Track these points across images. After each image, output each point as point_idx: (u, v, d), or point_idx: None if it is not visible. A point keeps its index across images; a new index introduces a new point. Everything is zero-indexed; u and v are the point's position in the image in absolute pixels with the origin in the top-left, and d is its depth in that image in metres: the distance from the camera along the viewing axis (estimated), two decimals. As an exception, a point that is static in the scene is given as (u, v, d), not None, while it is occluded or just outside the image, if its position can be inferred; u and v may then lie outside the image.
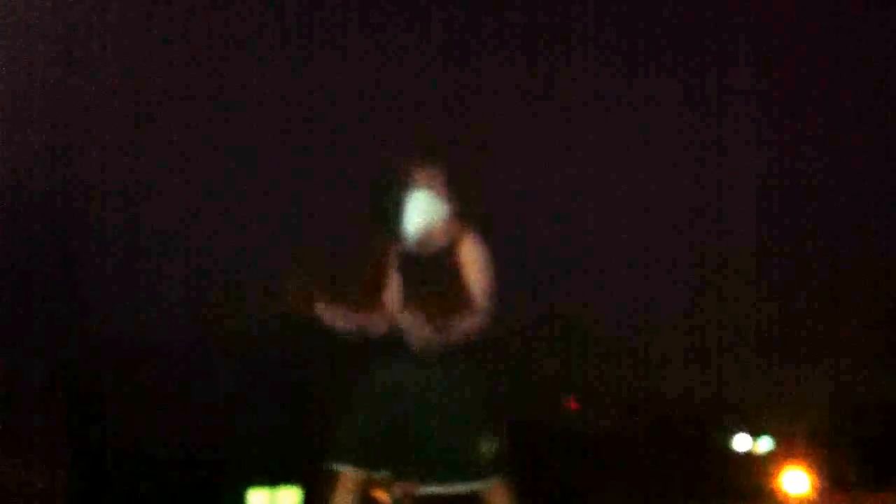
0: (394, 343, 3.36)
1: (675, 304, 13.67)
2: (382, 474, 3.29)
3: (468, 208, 3.72)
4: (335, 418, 3.54)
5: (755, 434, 15.43)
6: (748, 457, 15.19)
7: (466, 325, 3.32)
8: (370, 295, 3.38)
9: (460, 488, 3.29)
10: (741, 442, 15.52)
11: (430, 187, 3.54)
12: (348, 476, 3.32)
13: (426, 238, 3.43)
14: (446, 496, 3.30)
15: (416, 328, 3.26)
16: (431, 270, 3.52)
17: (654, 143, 13.16)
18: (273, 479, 11.27)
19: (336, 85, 11.72)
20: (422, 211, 3.52)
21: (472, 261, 3.52)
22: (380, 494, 3.55)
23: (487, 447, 3.30)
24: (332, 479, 3.30)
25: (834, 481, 12.62)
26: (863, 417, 13.56)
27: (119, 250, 11.19)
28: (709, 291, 13.67)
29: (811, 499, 12.28)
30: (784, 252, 13.38)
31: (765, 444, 15.40)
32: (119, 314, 10.73)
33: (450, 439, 3.32)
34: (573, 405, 15.04)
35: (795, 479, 13.18)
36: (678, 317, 13.70)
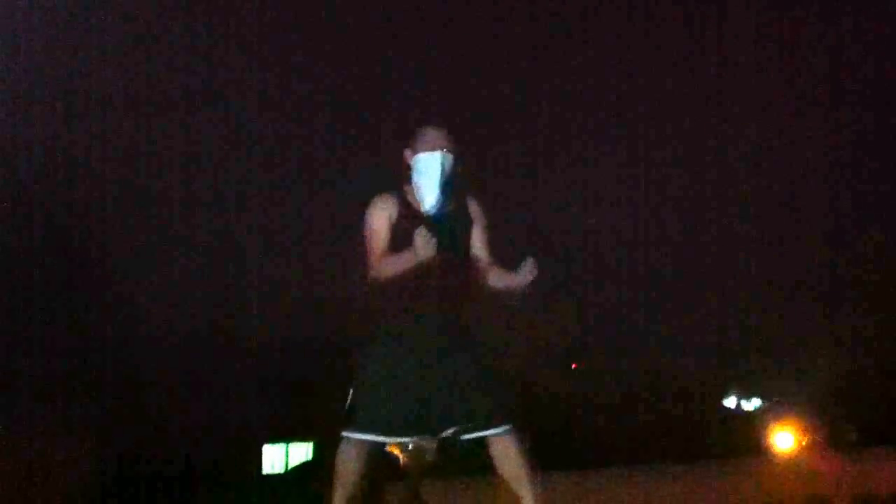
0: (402, 311, 3.51)
1: (671, 264, 13.88)
2: (399, 440, 3.48)
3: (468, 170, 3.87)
4: (346, 386, 3.68)
5: (748, 395, 15.76)
6: (740, 415, 15.53)
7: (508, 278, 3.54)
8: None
9: (472, 436, 3.50)
10: (733, 402, 15.89)
11: (440, 147, 3.53)
12: (361, 442, 3.53)
13: (440, 199, 3.47)
14: (460, 446, 3.44)
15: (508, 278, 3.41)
16: (450, 230, 3.50)
17: (652, 138, 13.27)
18: (286, 434, 11.78)
19: (337, 83, 11.74)
20: (435, 171, 3.53)
21: (481, 219, 3.56)
22: (393, 448, 3.80)
23: (499, 398, 3.52)
24: (342, 441, 3.48)
25: (829, 440, 12.89)
26: (862, 379, 13.69)
27: (119, 249, 11.25)
28: (705, 250, 13.85)
29: (801, 456, 12.60)
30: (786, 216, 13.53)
31: (755, 404, 15.73)
32: (121, 312, 10.82)
33: (465, 393, 3.31)
34: (574, 365, 15.43)
35: (785, 438, 13.50)
36: (674, 279, 13.92)
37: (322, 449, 10.47)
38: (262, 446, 11.75)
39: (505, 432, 3.40)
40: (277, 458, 11.81)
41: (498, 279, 3.50)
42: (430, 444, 3.62)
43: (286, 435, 11.87)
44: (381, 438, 3.42)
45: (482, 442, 3.40)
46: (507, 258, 3.47)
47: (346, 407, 3.47)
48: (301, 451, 11.71)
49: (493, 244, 3.58)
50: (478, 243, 3.59)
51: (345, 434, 3.42)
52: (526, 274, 3.38)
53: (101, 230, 11.03)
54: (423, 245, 3.33)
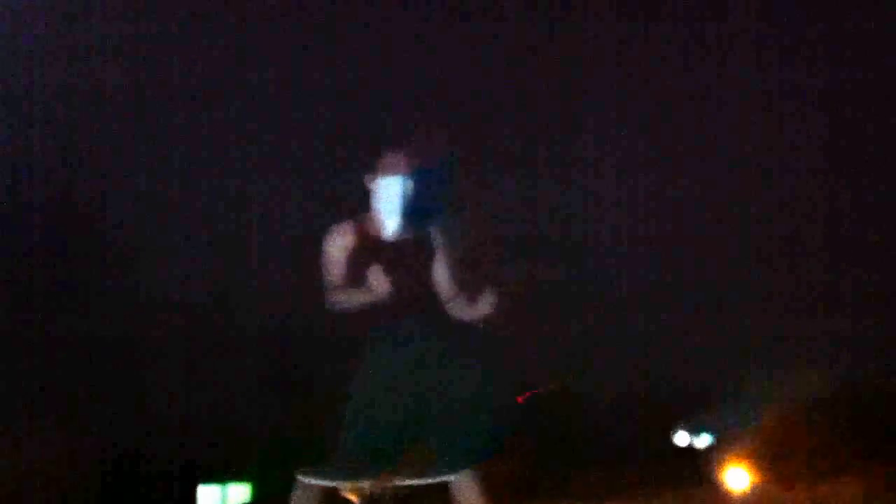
0: (374, 338, 3.29)
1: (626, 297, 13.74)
2: (363, 483, 3.26)
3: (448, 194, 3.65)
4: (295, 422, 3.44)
5: (696, 430, 15.60)
6: (690, 451, 15.36)
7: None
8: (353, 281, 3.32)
9: (436, 479, 3.26)
10: (681, 437, 15.73)
11: (401, 171, 3.48)
12: (318, 486, 3.28)
13: (402, 226, 3.45)
14: (423, 489, 3.37)
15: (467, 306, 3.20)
16: (412, 261, 3.47)
17: (652, 136, 13.16)
18: (223, 476, 11.27)
19: (337, 82, 11.59)
20: (395, 197, 3.47)
21: (447, 245, 3.52)
22: (351, 496, 3.54)
23: (457, 436, 3.31)
24: (296, 486, 3.23)
25: (781, 475, 12.75)
26: (815, 412, 13.65)
27: (119, 248, 11.18)
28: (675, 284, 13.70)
29: (753, 493, 12.41)
30: (736, 256, 13.50)
31: (705, 440, 15.59)
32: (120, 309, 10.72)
33: (421, 430, 3.32)
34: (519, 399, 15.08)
35: (737, 474, 13.32)
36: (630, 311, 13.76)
37: (263, 491, 10.10)
38: (196, 487, 11.26)
39: (463, 476, 3.27)
40: (213, 501, 11.31)
41: (458, 311, 3.44)
42: (390, 488, 3.36)
43: (223, 475, 11.36)
44: (332, 483, 3.28)
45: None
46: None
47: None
48: (239, 494, 11.25)
49: (460, 270, 3.48)
50: (439, 273, 3.49)
51: (299, 477, 3.29)
52: (484, 306, 3.34)
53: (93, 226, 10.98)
54: (378, 283, 3.28)
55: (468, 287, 3.48)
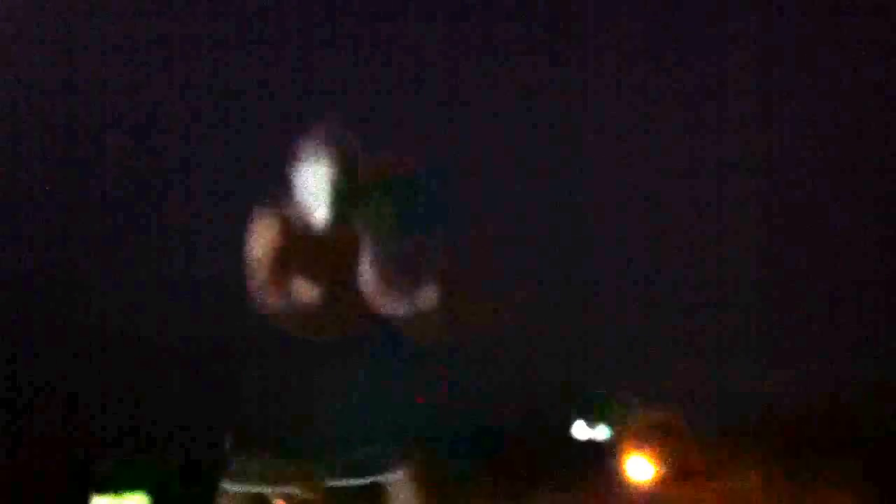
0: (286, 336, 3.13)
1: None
2: (286, 490, 3.11)
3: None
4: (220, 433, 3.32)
5: (593, 421, 15.53)
6: (588, 444, 15.31)
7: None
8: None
9: (367, 480, 3.10)
10: (580, 430, 15.64)
11: (328, 152, 3.32)
12: (243, 494, 3.11)
13: (323, 215, 3.28)
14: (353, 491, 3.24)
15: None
16: (340, 252, 3.32)
17: (651, 137, 13.07)
18: (117, 485, 10.85)
19: (338, 83, 11.34)
20: (320, 181, 3.29)
21: (375, 236, 3.34)
22: (280, 502, 3.40)
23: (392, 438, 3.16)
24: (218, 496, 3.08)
25: (683, 470, 12.83)
26: (723, 407, 13.76)
27: (118, 249, 10.77)
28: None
29: (654, 487, 12.46)
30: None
31: (603, 432, 15.53)
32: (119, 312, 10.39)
33: (361, 430, 3.14)
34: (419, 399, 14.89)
35: (638, 467, 13.34)
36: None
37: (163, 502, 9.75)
38: (88, 500, 10.83)
39: (399, 477, 3.17)
40: None
41: (392, 306, 3.27)
42: (321, 491, 3.20)
43: (117, 485, 10.93)
44: (256, 489, 3.14)
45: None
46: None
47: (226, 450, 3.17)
48: None
49: (388, 263, 3.29)
50: (366, 267, 3.32)
51: (222, 486, 3.15)
52: (422, 299, 3.20)
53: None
54: (310, 285, 3.16)
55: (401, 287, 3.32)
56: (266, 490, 3.15)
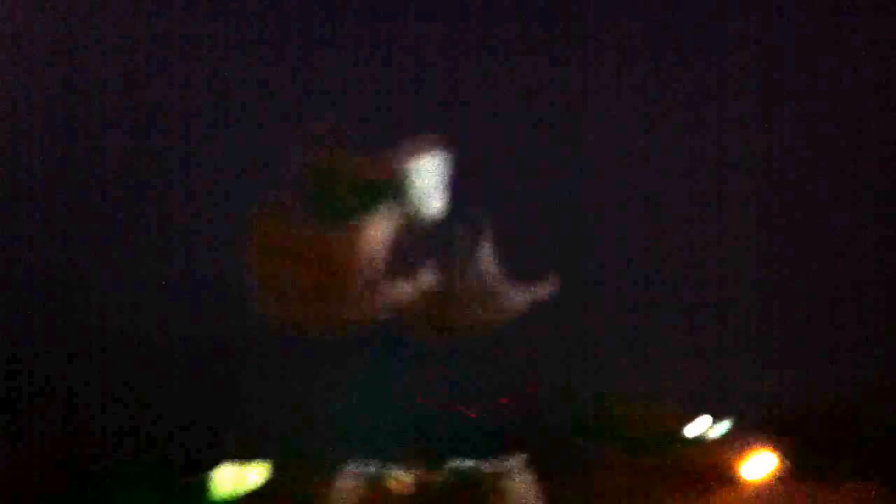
0: (388, 326, 3.11)
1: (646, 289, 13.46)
2: (393, 467, 3.07)
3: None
4: (331, 409, 3.30)
5: (714, 417, 15.14)
6: (706, 440, 14.96)
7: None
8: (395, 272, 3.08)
9: (473, 464, 3.05)
10: (699, 425, 15.23)
11: (437, 151, 3.22)
12: (354, 471, 3.09)
13: (439, 208, 3.17)
14: (459, 474, 3.22)
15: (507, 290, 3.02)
16: (452, 244, 3.21)
17: (653, 138, 13.03)
18: (240, 455, 10.73)
19: (339, 82, 11.32)
20: (433, 177, 3.19)
21: (487, 227, 3.24)
22: (397, 484, 3.37)
23: (499, 425, 3.08)
24: (333, 473, 3.07)
25: (803, 468, 12.54)
26: (841, 408, 13.47)
27: (119, 248, 10.82)
28: (696, 276, 13.47)
29: (773, 484, 12.21)
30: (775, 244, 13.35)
31: (722, 427, 15.12)
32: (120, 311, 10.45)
33: (462, 417, 3.09)
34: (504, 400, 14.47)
35: (757, 464, 13.01)
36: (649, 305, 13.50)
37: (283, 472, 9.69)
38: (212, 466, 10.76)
39: (517, 462, 3.04)
40: (229, 480, 10.80)
41: (513, 296, 3.15)
42: (437, 476, 3.14)
43: (241, 453, 10.79)
44: (373, 468, 3.00)
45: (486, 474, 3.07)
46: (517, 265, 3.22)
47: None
48: (257, 474, 10.75)
49: (500, 253, 3.21)
50: (485, 260, 3.20)
51: (341, 465, 3.01)
52: (542, 288, 3.04)
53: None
54: (427, 275, 2.96)
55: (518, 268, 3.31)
56: (384, 472, 3.15)
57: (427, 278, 2.96)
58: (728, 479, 12.51)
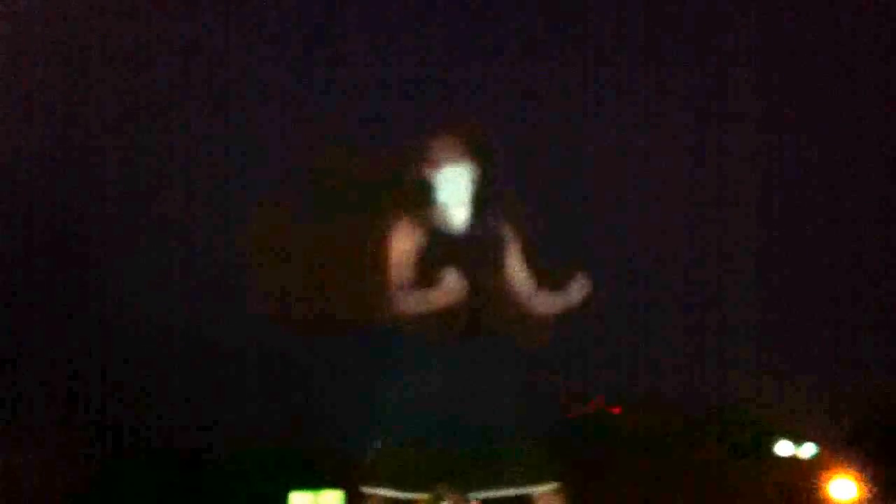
0: (421, 342, 3.04)
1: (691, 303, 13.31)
2: (425, 495, 3.00)
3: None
4: (361, 433, 3.22)
5: (797, 439, 14.83)
6: (793, 462, 14.57)
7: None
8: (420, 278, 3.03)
9: (512, 492, 2.97)
10: (784, 447, 14.89)
11: (466, 156, 3.18)
12: (382, 498, 3.01)
13: (469, 219, 3.15)
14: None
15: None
16: (482, 256, 3.17)
17: (654, 141, 13.03)
18: (315, 482, 10.81)
19: (339, 82, 11.52)
20: (463, 185, 3.16)
21: (516, 237, 3.21)
22: None
23: (538, 449, 3.04)
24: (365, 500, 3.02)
25: (889, 487, 12.21)
26: None
27: (121, 247, 10.86)
28: (729, 291, 13.30)
29: None
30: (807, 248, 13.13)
31: (808, 450, 14.74)
32: (122, 309, 10.36)
33: (498, 441, 3.03)
34: (605, 406, 14.55)
35: (844, 486, 12.71)
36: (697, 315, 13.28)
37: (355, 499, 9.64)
38: (287, 494, 10.89)
39: (554, 490, 3.05)
40: None
41: (544, 304, 3.16)
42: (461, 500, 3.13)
43: (315, 482, 10.90)
44: (401, 494, 3.05)
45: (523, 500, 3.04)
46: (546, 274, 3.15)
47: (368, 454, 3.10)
48: (332, 501, 10.82)
49: (533, 263, 3.23)
50: (515, 267, 3.25)
51: (363, 489, 3.08)
52: (576, 293, 3.06)
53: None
54: (454, 286, 3.00)
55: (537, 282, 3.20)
56: (410, 496, 3.10)
57: (452, 285, 2.79)
58: (815, 499, 12.23)
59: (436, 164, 3.20)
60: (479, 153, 3.21)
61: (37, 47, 9.32)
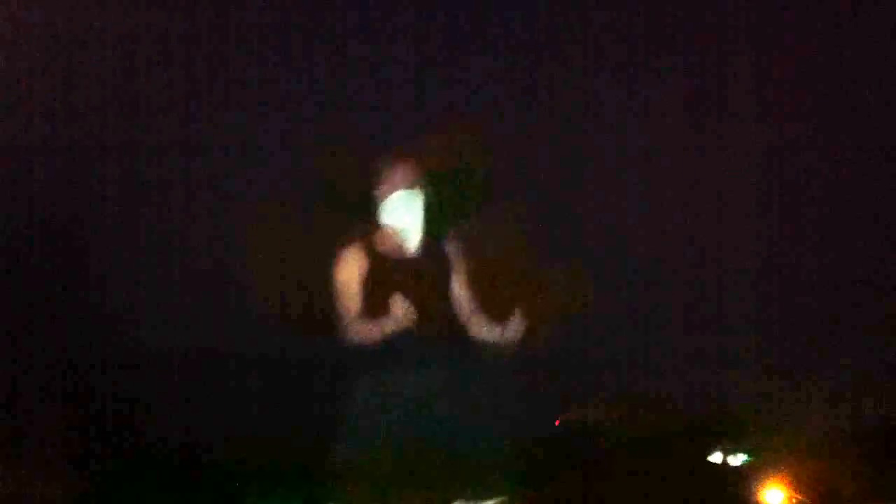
0: (385, 354, 2.98)
1: (670, 316, 13.31)
2: None
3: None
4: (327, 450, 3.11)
5: (734, 449, 15.06)
6: (727, 469, 14.85)
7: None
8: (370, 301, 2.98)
9: None
10: (718, 457, 15.12)
11: (419, 181, 3.13)
12: None
13: (409, 239, 3.10)
14: None
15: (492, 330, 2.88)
16: (426, 275, 3.12)
17: (653, 142, 12.86)
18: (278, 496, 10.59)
19: (340, 84, 11.14)
20: (416, 210, 3.10)
21: (462, 260, 3.17)
22: None
23: (503, 460, 2.98)
24: None
25: (824, 497, 12.36)
26: (860, 433, 13.35)
27: (121, 251, 10.65)
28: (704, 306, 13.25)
29: None
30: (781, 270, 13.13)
31: (741, 458, 15.03)
32: (123, 315, 10.21)
33: (466, 454, 2.98)
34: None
35: (776, 495, 12.86)
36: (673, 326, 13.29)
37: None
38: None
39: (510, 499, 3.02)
40: None
41: (480, 329, 3.16)
42: None
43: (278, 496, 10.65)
44: None
45: None
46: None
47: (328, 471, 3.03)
48: None
49: (477, 286, 3.21)
50: (457, 288, 3.22)
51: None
52: (509, 332, 3.06)
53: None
54: (403, 310, 2.98)
55: (490, 304, 3.16)
56: None
57: (400, 312, 2.80)
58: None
59: (390, 186, 3.15)
60: (436, 174, 3.19)
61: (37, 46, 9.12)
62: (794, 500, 12.90)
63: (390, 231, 3.13)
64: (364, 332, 3.03)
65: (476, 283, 3.17)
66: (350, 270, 3.09)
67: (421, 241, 3.14)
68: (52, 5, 9.35)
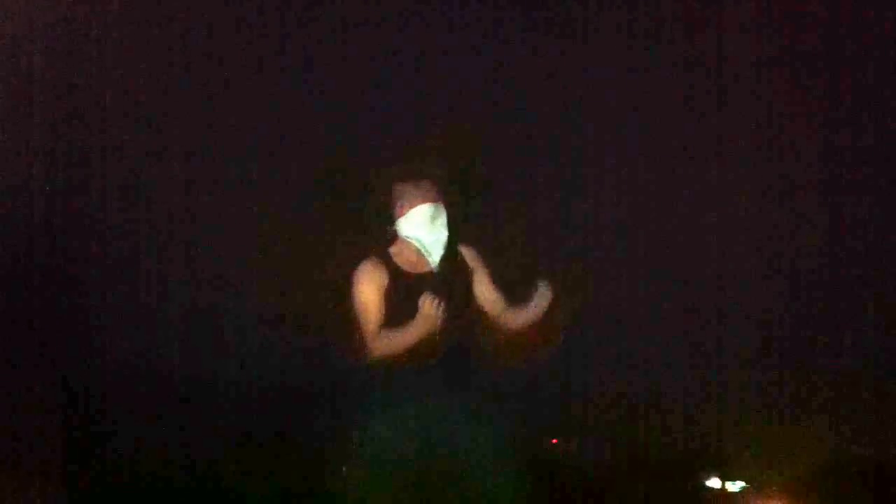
0: (396, 382, 2.97)
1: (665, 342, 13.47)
2: None
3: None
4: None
5: (731, 476, 15.27)
6: (720, 495, 15.03)
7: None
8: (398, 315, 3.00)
9: None
10: (715, 483, 15.32)
11: (440, 195, 3.24)
12: None
13: (438, 252, 3.21)
14: None
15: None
16: (453, 288, 3.21)
17: (652, 143, 13.02)
18: None
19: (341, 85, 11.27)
20: (440, 224, 3.21)
21: (480, 263, 3.31)
22: None
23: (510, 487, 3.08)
24: None
25: None
26: (852, 469, 13.42)
27: (122, 256, 10.39)
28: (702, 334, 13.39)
29: None
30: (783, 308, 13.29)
31: (739, 485, 15.26)
32: (121, 324, 10.00)
33: (479, 483, 3.07)
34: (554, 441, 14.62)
35: None
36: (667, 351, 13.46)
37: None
38: None
39: None
40: None
41: (515, 319, 3.25)
42: None
43: None
44: None
45: None
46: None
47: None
48: None
49: (499, 284, 3.34)
50: (483, 290, 3.34)
51: None
52: (541, 300, 3.16)
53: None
54: (431, 314, 3.04)
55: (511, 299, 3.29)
56: None
57: (429, 312, 2.80)
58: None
59: (411, 203, 3.27)
60: (452, 192, 3.33)
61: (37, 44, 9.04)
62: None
63: (412, 245, 3.23)
64: (389, 347, 3.11)
65: (501, 284, 3.24)
66: (371, 286, 3.17)
67: (443, 253, 3.24)
68: (52, 5, 9.59)
